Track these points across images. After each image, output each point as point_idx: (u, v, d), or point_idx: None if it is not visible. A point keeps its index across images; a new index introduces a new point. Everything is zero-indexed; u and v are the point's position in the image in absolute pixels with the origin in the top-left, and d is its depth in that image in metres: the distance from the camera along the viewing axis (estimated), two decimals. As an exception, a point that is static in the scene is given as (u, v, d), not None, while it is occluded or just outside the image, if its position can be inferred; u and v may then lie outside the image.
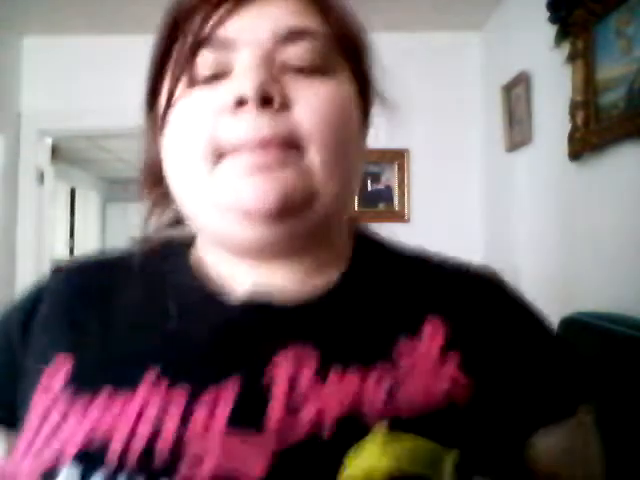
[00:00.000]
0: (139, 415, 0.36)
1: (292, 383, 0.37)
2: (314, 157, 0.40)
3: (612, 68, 1.56)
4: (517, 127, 2.27)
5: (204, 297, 0.43)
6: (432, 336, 0.40)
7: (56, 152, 3.27)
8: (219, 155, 0.40)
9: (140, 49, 2.78)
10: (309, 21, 0.42)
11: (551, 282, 1.98)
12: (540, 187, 2.10)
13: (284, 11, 0.41)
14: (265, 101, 0.38)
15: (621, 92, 1.51)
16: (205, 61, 0.41)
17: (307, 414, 0.36)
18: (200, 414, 0.36)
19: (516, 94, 2.27)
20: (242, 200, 0.39)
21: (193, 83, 0.41)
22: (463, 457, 0.36)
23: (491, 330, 0.43)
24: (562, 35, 1.79)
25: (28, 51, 2.84)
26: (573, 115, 1.72)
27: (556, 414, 0.43)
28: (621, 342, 1.29)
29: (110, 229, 6.87)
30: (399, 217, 2.81)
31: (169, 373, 0.38)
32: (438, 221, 2.80)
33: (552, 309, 2.14)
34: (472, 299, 0.45)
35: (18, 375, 0.43)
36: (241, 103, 0.39)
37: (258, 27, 0.41)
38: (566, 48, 1.76)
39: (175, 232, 0.49)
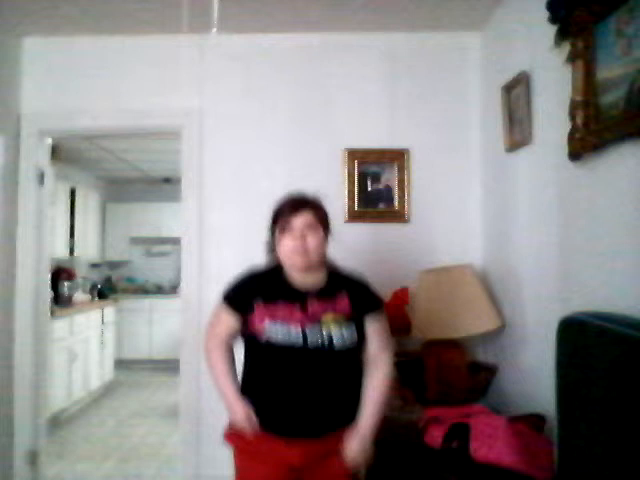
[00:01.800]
0: (281, 310, 1.60)
1: (312, 306, 1.62)
2: (312, 252, 1.60)
3: (612, 68, 1.56)
4: (517, 127, 2.28)
5: (288, 285, 1.65)
6: (344, 296, 1.65)
7: (56, 152, 3.27)
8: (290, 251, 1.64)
9: (139, 50, 2.80)
10: (313, 219, 1.62)
11: (551, 282, 1.98)
12: (540, 187, 2.10)
13: (307, 216, 1.61)
14: (301, 238, 1.61)
15: (621, 92, 1.51)
16: (287, 226, 1.61)
17: (316, 311, 1.61)
18: (293, 310, 1.60)
19: (516, 94, 2.27)
20: (297, 259, 1.61)
21: (283, 232, 1.61)
22: (354, 324, 1.63)
23: (360, 296, 1.68)
24: (562, 35, 1.79)
25: (28, 52, 2.84)
26: (573, 115, 1.71)
27: (371, 311, 1.67)
28: (621, 342, 1.29)
29: (110, 229, 6.88)
30: (399, 217, 2.81)
31: (285, 300, 1.62)
32: (438, 221, 2.80)
33: (552, 309, 2.14)
34: (357, 287, 1.70)
35: (248, 301, 1.63)
36: (296, 238, 1.62)
37: (299, 221, 1.60)
38: (566, 48, 1.76)
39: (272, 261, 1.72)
